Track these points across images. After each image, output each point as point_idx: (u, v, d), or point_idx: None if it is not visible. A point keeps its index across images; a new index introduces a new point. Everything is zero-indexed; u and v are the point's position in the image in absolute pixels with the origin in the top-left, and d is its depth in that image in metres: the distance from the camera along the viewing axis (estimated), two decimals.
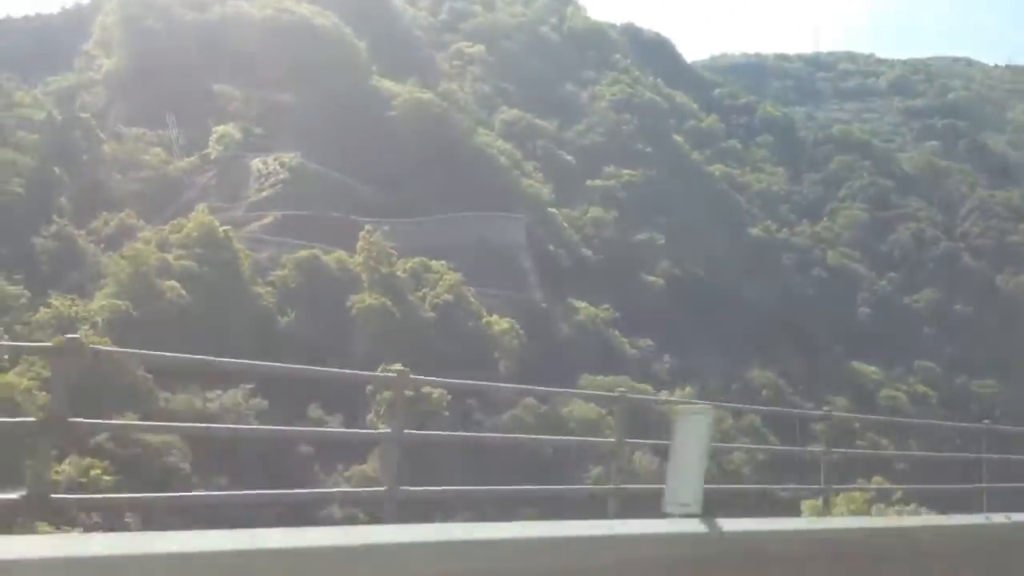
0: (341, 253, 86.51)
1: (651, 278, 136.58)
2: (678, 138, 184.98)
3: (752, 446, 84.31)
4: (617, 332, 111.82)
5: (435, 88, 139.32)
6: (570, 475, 72.26)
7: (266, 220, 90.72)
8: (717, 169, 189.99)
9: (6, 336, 63.39)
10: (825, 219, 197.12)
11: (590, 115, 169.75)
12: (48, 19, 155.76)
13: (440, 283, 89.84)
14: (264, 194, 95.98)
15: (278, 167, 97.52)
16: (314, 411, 71.43)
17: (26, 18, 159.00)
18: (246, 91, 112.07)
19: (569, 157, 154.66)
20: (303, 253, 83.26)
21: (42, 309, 68.39)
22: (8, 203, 75.90)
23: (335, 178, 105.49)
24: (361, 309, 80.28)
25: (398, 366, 77.85)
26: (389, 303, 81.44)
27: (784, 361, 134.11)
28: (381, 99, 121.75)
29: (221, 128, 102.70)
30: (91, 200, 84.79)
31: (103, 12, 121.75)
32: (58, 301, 69.44)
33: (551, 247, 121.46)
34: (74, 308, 67.39)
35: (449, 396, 75.78)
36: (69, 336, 9.79)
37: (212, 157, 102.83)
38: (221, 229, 76.70)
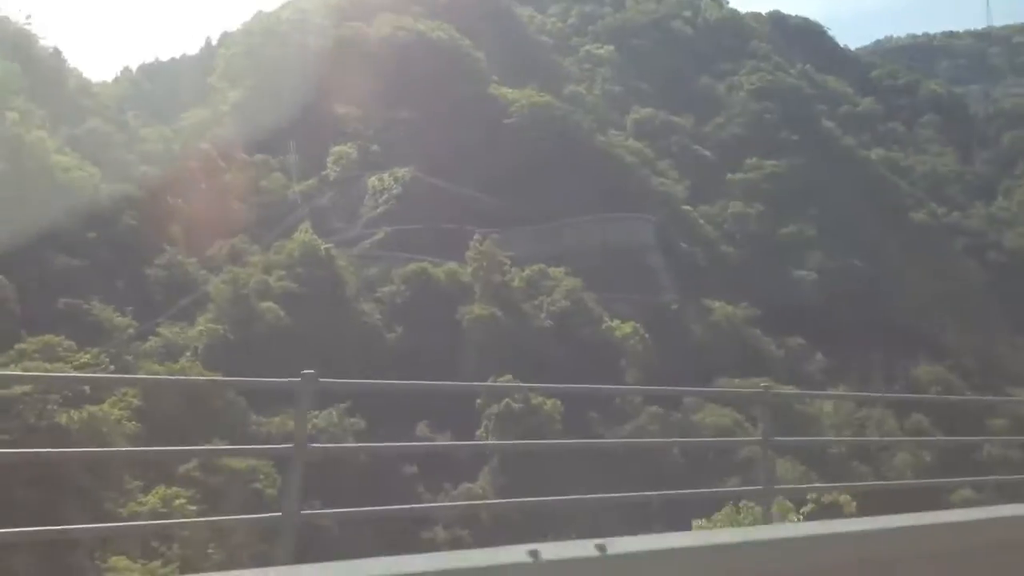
0: (452, 265, 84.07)
1: (802, 272, 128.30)
2: (829, 124, 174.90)
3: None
4: (759, 331, 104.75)
5: (559, 92, 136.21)
6: (705, 485, 66.98)
7: (378, 236, 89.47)
8: (875, 154, 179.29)
9: (112, 367, 63.54)
10: (1000, 198, 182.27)
11: (728, 107, 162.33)
12: (190, 60, 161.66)
13: (556, 290, 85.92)
14: (379, 210, 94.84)
15: (392, 182, 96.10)
16: (422, 429, 69.05)
17: (172, 60, 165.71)
18: (364, 110, 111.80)
19: (707, 152, 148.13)
20: (412, 267, 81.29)
21: (151, 338, 68.87)
22: (121, 235, 77.03)
23: (451, 190, 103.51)
24: (471, 321, 77.39)
25: (508, 377, 75.41)
26: (499, 313, 78.15)
27: (957, 354, 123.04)
28: (499, 107, 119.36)
29: (338, 148, 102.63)
30: (209, 228, 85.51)
31: (224, 45, 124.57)
32: (166, 329, 69.80)
33: (684, 245, 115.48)
34: (181, 336, 67.43)
35: (563, 407, 72.11)
36: None
37: (331, 178, 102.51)
38: (323, 247, 75.48)
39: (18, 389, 40.46)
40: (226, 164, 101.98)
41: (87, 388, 46.18)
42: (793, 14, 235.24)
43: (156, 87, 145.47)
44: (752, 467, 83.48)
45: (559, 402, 71.94)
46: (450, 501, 60.44)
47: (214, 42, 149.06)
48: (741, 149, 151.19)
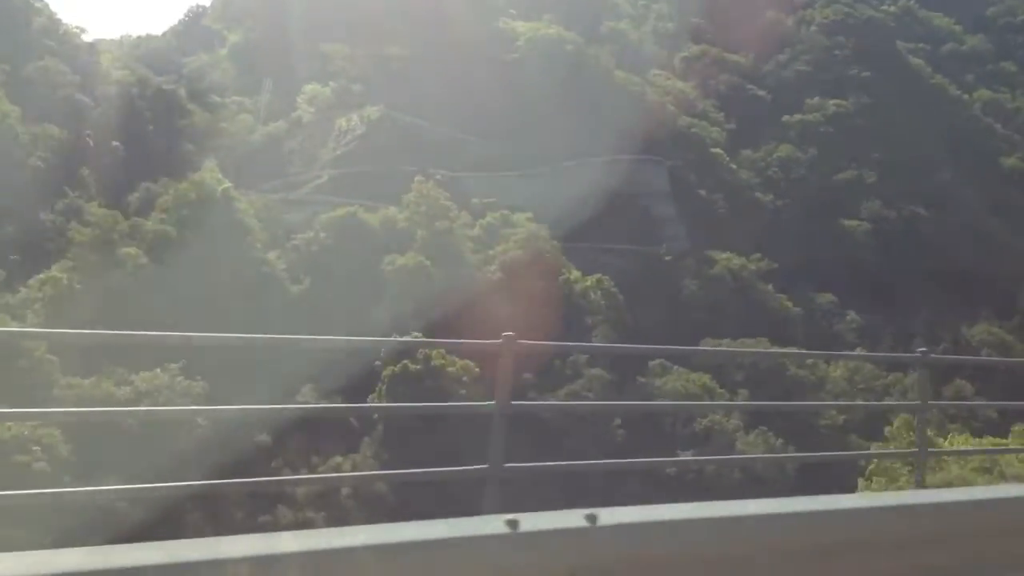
0: (392, 210, 75.12)
1: (852, 222, 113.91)
2: (918, 61, 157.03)
3: None
4: (771, 287, 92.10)
5: (594, 29, 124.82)
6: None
7: (321, 180, 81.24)
8: (982, 95, 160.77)
9: None
10: None
11: (796, 44, 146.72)
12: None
13: (513, 238, 75.98)
14: (337, 152, 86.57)
15: (358, 122, 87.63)
16: (307, 393, 60.92)
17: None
18: (353, 48, 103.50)
19: (762, 92, 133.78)
20: (339, 212, 72.69)
21: (22, 289, 62.88)
22: (27, 179, 71.34)
23: (431, 131, 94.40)
24: (393, 272, 68.51)
25: (417, 334, 66.37)
26: (428, 263, 68.93)
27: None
28: (506, 42, 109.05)
29: (311, 88, 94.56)
30: (139, 174, 79.24)
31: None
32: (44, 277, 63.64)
33: (702, 193, 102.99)
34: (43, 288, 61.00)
35: (477, 369, 62.74)
36: None
37: (304, 120, 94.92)
38: (221, 189, 67.78)
39: None
40: (195, 108, 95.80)
41: None
42: None
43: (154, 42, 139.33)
44: (710, 439, 72.81)
45: (472, 363, 62.75)
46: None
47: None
48: (804, 89, 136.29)
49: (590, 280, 74.89)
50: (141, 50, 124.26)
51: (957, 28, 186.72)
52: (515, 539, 3.00)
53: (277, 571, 2.76)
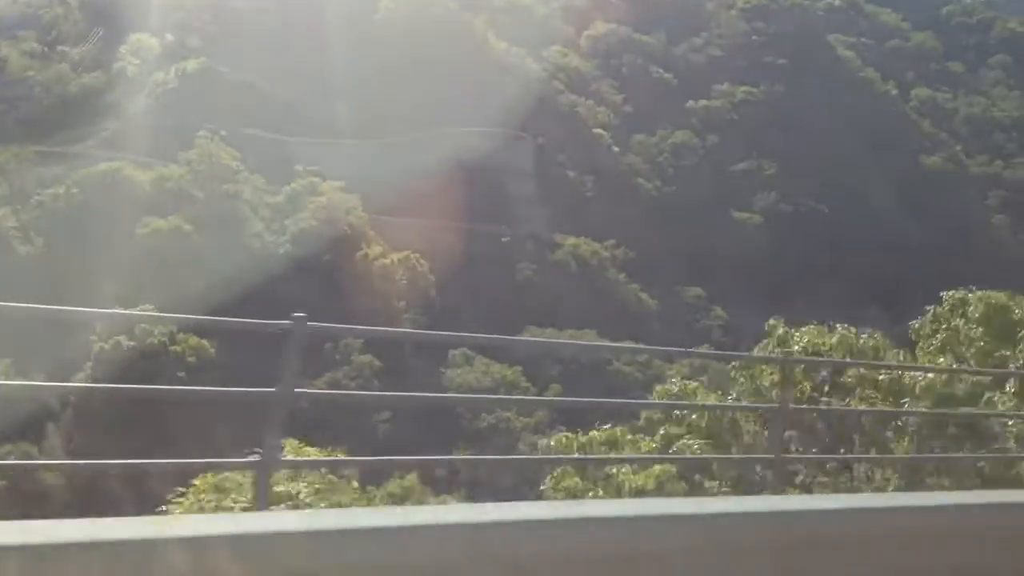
0: (169, 170, 66.23)
1: (743, 215, 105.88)
2: (847, 53, 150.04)
3: None
4: (623, 276, 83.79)
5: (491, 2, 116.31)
6: None
7: (106, 134, 72.38)
8: (920, 93, 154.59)
9: None
10: None
11: (713, 28, 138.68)
12: None
13: (312, 207, 67.21)
14: (139, 107, 77.70)
15: (173, 77, 78.84)
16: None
17: None
18: None
19: (668, 75, 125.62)
20: (101, 167, 63.76)
21: None
22: None
23: (268, 91, 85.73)
24: (146, 236, 59.68)
25: (148, 307, 57.76)
26: (189, 227, 60.11)
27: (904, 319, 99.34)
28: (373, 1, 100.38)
29: (136, 38, 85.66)
30: None
31: None
32: None
33: (570, 174, 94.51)
34: None
35: (212, 349, 54.13)
36: None
37: (128, 73, 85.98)
38: None
39: None
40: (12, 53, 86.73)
41: None
42: None
43: None
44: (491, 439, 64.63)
45: (208, 341, 54.15)
46: None
47: None
48: (715, 74, 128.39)
49: (393, 258, 66.05)
50: None
51: (904, 25, 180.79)
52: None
53: None
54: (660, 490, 13.15)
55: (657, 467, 13.77)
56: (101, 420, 49.42)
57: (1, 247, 57.86)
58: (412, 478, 44.66)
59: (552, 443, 23.67)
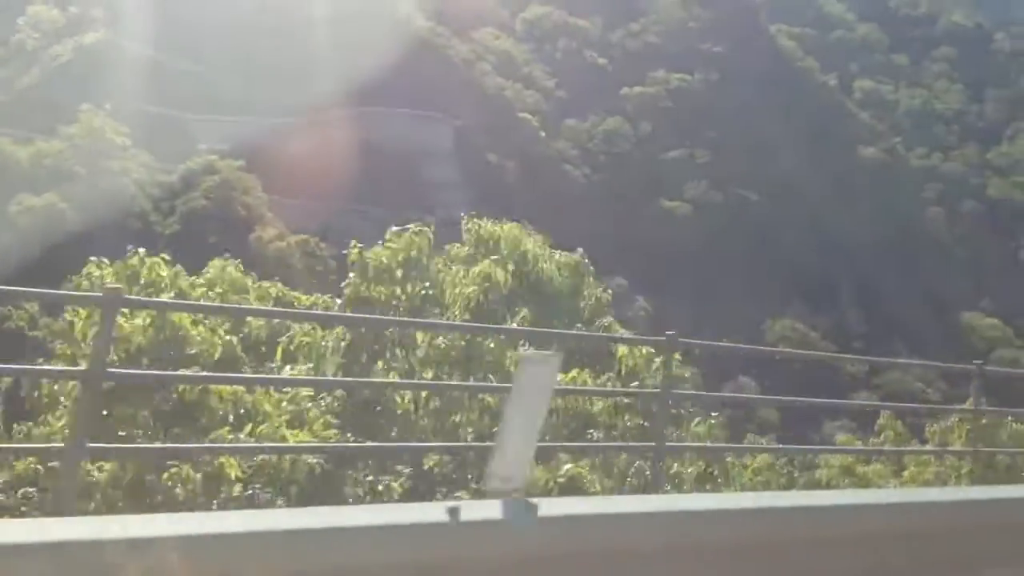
0: (49, 145, 62.95)
1: (672, 203, 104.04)
2: (789, 43, 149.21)
3: None
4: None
5: None
6: None
7: None
8: (862, 85, 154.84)
9: None
10: (1004, 144, 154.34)
11: (650, 14, 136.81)
12: None
13: (203, 187, 64.19)
14: (25, 81, 74.15)
15: (70, 50, 75.37)
16: None
17: None
18: None
19: (603, 60, 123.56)
20: None
21: None
22: None
23: (173, 67, 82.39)
24: (20, 213, 56.48)
25: None
26: (65, 206, 56.98)
27: (844, 312, 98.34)
28: None
29: (33, 9, 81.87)
30: None
31: None
32: None
33: (492, 158, 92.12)
34: None
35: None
36: None
37: (28, 47, 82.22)
38: None
39: None
40: None
41: None
42: None
43: None
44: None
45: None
46: None
47: None
48: (651, 61, 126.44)
49: (289, 241, 63.31)
50: None
51: (849, 16, 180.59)
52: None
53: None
54: None
55: None
56: None
57: None
58: None
59: None
